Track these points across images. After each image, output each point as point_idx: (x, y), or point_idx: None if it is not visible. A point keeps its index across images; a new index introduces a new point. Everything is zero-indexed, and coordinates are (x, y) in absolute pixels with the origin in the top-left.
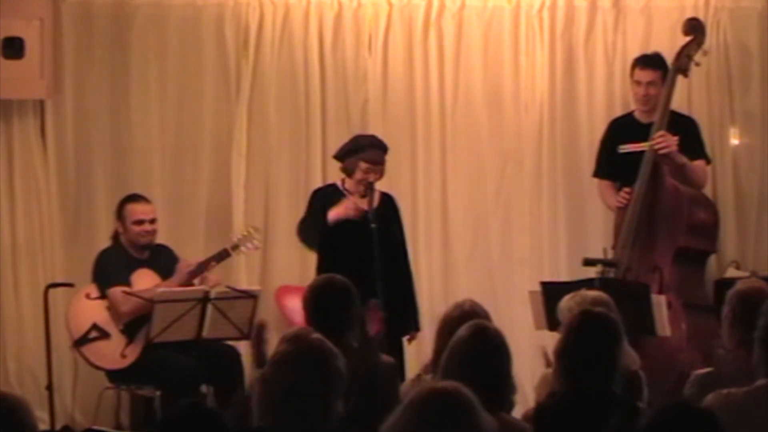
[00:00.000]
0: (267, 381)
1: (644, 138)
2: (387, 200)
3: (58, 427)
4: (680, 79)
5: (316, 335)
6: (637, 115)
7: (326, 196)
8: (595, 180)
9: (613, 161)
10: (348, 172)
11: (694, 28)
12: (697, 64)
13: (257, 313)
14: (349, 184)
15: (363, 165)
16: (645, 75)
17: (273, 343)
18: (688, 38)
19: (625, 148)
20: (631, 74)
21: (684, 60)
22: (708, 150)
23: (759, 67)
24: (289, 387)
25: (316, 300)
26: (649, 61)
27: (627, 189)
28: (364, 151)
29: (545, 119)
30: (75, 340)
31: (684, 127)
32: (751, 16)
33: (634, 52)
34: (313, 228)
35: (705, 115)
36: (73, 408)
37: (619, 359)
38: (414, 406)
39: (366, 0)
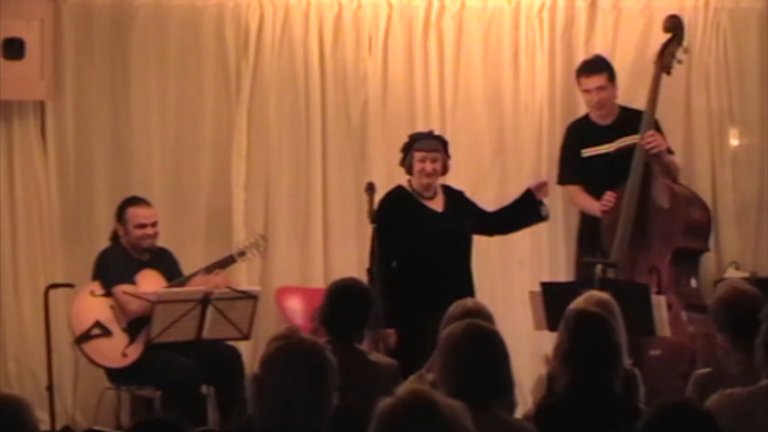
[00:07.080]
0: (262, 381)
1: (603, 140)
2: (450, 196)
3: (58, 427)
4: (679, 78)
5: (305, 334)
6: (594, 117)
7: (392, 203)
8: (563, 187)
9: (576, 165)
10: (409, 170)
11: (675, 25)
12: (680, 62)
13: (257, 313)
14: (415, 183)
15: (417, 154)
16: (592, 81)
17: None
18: (668, 35)
19: (588, 151)
20: (578, 84)
21: (668, 58)
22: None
23: (759, 67)
24: (285, 385)
25: (338, 298)
26: (593, 67)
27: (611, 192)
28: (417, 142)
29: (545, 120)
30: (76, 336)
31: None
32: (751, 16)
33: (634, 53)
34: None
35: (705, 115)
36: (73, 408)
37: (615, 358)
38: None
39: (366, 1)
